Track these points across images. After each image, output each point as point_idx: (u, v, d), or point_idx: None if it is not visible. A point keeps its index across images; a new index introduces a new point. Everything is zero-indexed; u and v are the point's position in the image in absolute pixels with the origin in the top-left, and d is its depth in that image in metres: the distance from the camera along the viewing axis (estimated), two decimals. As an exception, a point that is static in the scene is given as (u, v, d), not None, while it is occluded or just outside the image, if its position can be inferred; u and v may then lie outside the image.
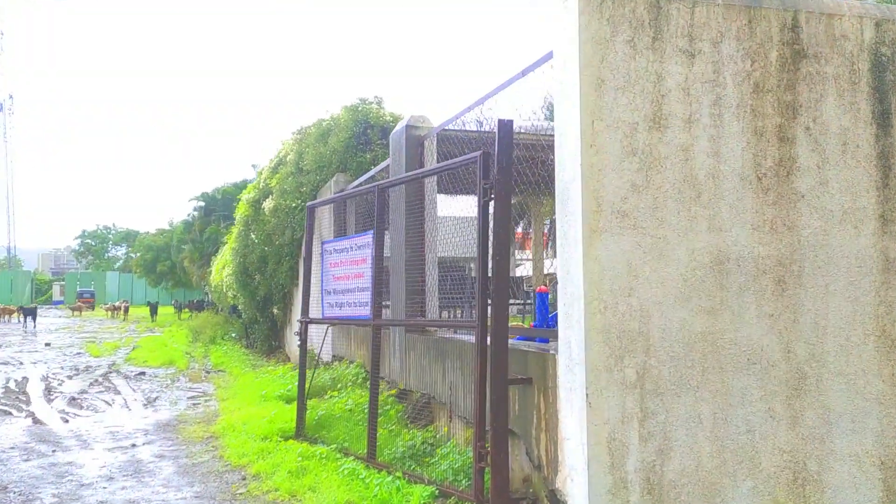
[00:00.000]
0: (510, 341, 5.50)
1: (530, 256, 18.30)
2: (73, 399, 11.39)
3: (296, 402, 8.72)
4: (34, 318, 33.68)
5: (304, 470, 6.83)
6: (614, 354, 4.33)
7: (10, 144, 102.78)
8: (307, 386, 8.66)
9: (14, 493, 6.37)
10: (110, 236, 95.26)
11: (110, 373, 15.16)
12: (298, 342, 8.48)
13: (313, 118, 14.98)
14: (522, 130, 7.10)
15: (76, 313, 56.72)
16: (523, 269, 20.98)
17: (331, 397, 9.84)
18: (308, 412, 8.58)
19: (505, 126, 5.48)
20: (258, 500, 6.14)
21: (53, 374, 15.16)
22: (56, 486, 6.58)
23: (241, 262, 17.35)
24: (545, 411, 5.11)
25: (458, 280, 9.22)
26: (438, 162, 7.66)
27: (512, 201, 5.74)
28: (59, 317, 55.36)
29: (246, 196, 17.70)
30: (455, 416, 7.04)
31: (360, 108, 13.22)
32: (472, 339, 5.78)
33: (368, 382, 10.14)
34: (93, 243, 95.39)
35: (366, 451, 7.04)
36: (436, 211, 8.09)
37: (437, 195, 8.24)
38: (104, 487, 6.54)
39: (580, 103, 4.40)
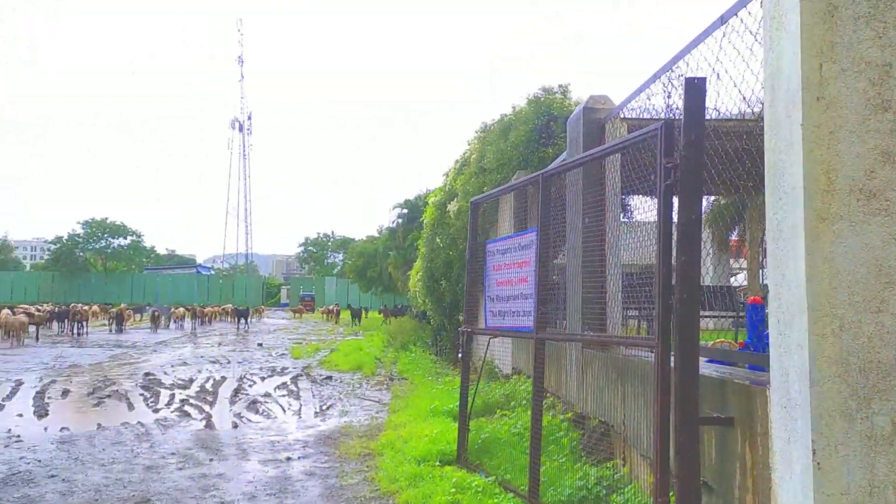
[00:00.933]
0: (708, 366, 4.13)
1: (747, 266, 16.11)
2: (254, 403, 11.31)
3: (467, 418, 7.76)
4: (246, 320, 35.97)
5: (456, 506, 5.84)
6: (857, 395, 2.88)
7: (249, 161, 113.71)
8: (472, 403, 7.65)
9: (154, 506, 5.97)
10: (329, 243, 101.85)
11: (300, 376, 15.24)
12: (460, 353, 7.51)
13: (499, 115, 14.07)
14: (730, 117, 5.61)
15: (297, 315, 60.82)
16: (741, 279, 18.68)
17: (501, 416, 8.79)
18: (472, 434, 7.60)
19: (694, 88, 4.13)
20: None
21: (250, 374, 15.53)
22: (198, 502, 6.11)
23: (427, 266, 16.88)
24: (752, 465, 3.73)
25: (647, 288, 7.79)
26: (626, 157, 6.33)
27: (724, 201, 4.35)
28: (283, 318, 59.60)
29: (432, 200, 17.22)
30: (637, 453, 5.70)
31: (542, 100, 12.09)
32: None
33: (544, 402, 8.99)
34: (314, 250, 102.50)
35: (527, 488, 5.90)
36: (618, 207, 6.75)
37: (630, 198, 6.95)
38: (243, 508, 5.97)
39: (800, 40, 3.00)
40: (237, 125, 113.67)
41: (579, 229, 6.67)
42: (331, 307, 54.92)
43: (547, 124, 11.73)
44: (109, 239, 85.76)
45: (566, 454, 6.66)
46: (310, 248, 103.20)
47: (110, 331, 32.47)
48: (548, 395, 9.35)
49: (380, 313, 47.17)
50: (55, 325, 32.14)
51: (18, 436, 8.51)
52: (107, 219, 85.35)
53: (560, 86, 12.46)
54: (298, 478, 6.93)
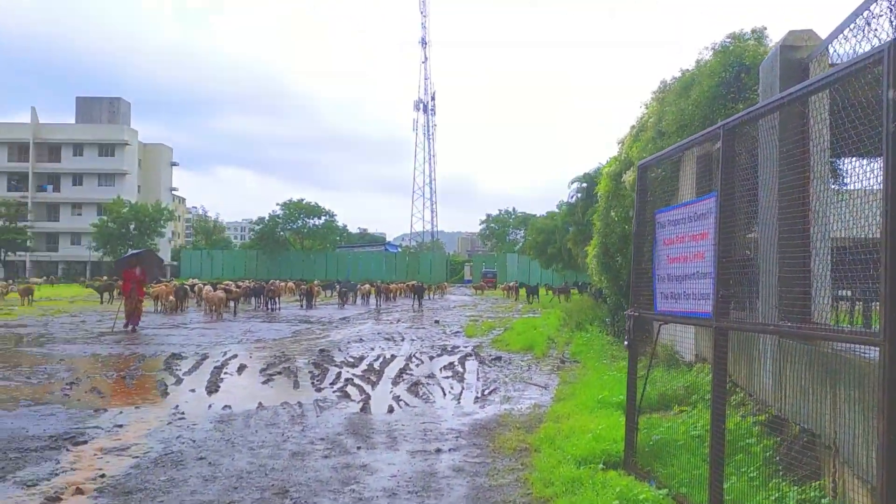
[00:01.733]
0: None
1: None
2: (416, 385, 10.92)
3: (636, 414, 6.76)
4: (421, 296, 36.26)
5: (617, 525, 4.93)
6: None
7: (433, 141, 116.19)
8: (642, 397, 6.62)
9: (290, 499, 5.59)
10: (511, 220, 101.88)
11: (469, 356, 14.77)
12: (626, 341, 6.51)
13: (679, 71, 12.56)
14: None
15: (478, 292, 61.27)
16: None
17: (679, 413, 7.67)
18: (643, 433, 6.59)
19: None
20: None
21: (420, 353, 15.30)
22: (335, 497, 5.67)
23: (602, 242, 15.73)
24: None
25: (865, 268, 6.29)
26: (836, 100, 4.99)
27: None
28: (465, 294, 60.20)
29: (607, 170, 15.98)
30: (854, 474, 4.49)
31: (731, 49, 10.48)
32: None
33: (732, 398, 7.73)
34: (496, 227, 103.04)
35: (707, 505, 4.86)
36: (826, 166, 5.40)
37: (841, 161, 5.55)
38: (379, 507, 5.43)
39: None
40: (421, 106, 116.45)
41: (774, 194, 5.42)
42: (511, 284, 54.68)
43: (737, 76, 10.15)
44: (305, 219, 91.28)
45: (758, 466, 5.50)
46: (491, 224, 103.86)
47: (301, 306, 34.13)
48: (736, 390, 8.05)
49: (548, 291, 46.20)
50: (252, 300, 34.29)
51: (183, 413, 8.62)
52: (303, 200, 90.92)
53: (753, 30, 10.73)
54: (445, 474, 6.31)
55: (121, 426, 7.92)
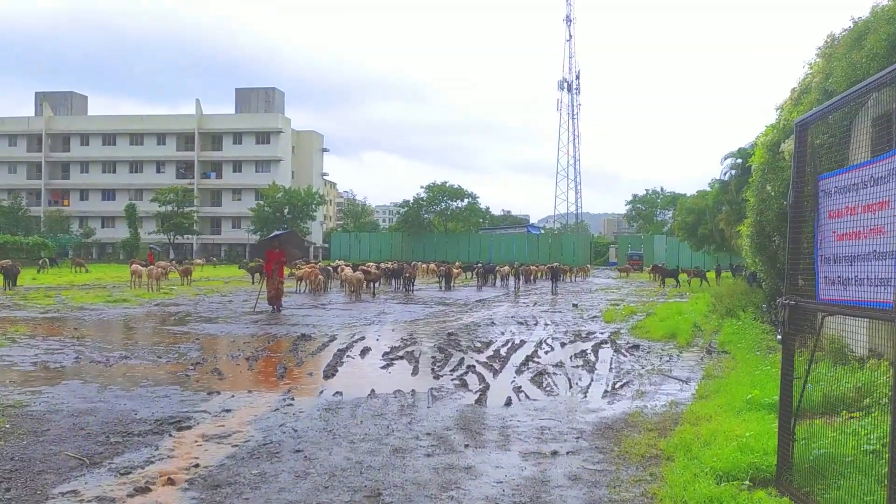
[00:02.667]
0: None
1: None
2: (541, 374, 10.12)
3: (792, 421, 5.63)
4: (557, 280, 34.91)
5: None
6: None
7: (577, 120, 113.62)
8: (799, 401, 5.47)
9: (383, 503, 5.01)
10: (658, 200, 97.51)
11: (604, 343, 13.75)
12: (779, 335, 5.39)
13: (850, 21, 10.84)
14: None
15: (623, 274, 59.15)
16: None
17: (849, 420, 6.41)
18: (801, 445, 5.46)
19: None
20: None
21: (552, 338, 14.47)
22: (432, 502, 5.02)
23: (756, 220, 14.12)
24: None
25: None
26: None
27: None
28: (609, 277, 58.31)
29: (762, 139, 14.30)
30: None
31: (915, -13, 8.79)
32: None
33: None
34: (643, 208, 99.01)
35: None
36: None
37: None
38: (478, 520, 4.73)
39: None
40: (565, 85, 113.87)
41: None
42: (659, 265, 52.11)
43: (922, 19, 8.48)
44: (448, 202, 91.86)
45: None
46: (637, 205, 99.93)
47: (440, 287, 34.05)
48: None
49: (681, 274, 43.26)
50: (392, 282, 34.57)
51: (293, 399, 8.32)
52: (446, 182, 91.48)
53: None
54: (559, 482, 5.51)
55: (229, 411, 7.71)
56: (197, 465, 5.84)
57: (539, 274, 46.43)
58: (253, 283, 35.11)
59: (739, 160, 37.90)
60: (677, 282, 40.01)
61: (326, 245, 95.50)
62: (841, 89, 10.03)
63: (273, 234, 23.97)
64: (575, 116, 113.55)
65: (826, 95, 10.71)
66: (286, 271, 25.54)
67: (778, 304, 5.39)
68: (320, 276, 29.00)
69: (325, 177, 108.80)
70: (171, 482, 5.46)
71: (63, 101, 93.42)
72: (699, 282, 39.49)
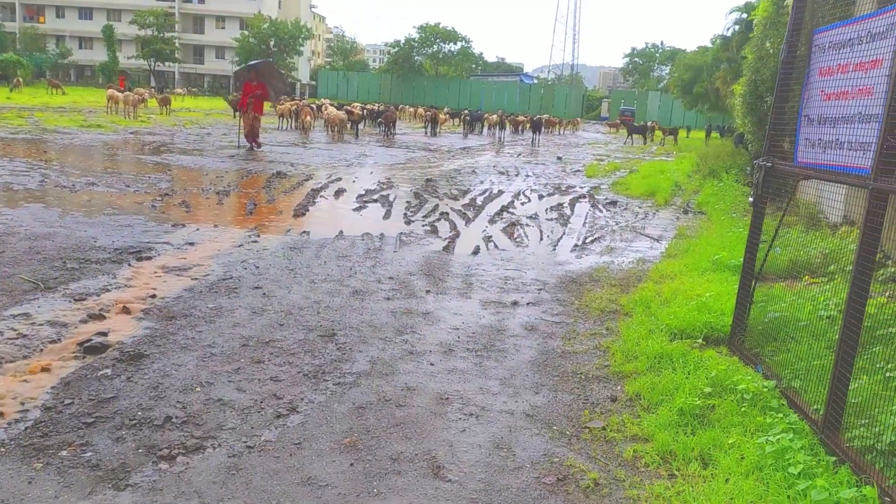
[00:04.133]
0: None
1: None
2: (513, 225, 10.06)
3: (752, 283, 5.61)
4: (538, 132, 34.05)
5: (704, 420, 4.02)
6: None
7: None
8: (762, 265, 5.42)
9: (336, 343, 5.02)
10: (657, 55, 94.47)
11: (582, 198, 13.65)
12: (751, 196, 5.26)
13: None
14: None
15: (613, 130, 58.35)
16: None
17: (810, 286, 6.41)
18: (758, 307, 5.47)
19: None
20: (611, 458, 3.64)
21: (530, 190, 14.34)
22: (383, 346, 5.04)
23: (752, 78, 13.65)
24: None
25: None
26: None
27: None
28: (598, 132, 57.56)
29: (768, -9, 13.54)
30: None
31: None
32: None
33: (881, 272, 6.40)
34: (640, 62, 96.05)
35: (822, 411, 3.86)
36: None
37: None
38: (430, 364, 4.76)
39: None
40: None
41: None
42: (648, 124, 51.30)
43: None
44: (441, 44, 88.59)
45: (899, 368, 4.33)
46: (635, 59, 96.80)
47: (425, 133, 33.45)
48: (888, 263, 6.66)
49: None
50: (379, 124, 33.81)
51: (258, 236, 8.23)
52: (439, 24, 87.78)
53: None
54: (514, 332, 5.53)
55: (192, 244, 7.61)
56: (154, 296, 5.79)
57: (527, 124, 45.63)
58: (234, 116, 34.25)
59: (744, 15, 36.41)
60: (644, 139, 39.24)
61: (313, 83, 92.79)
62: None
63: (249, 64, 22.65)
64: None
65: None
66: (266, 106, 24.64)
67: (754, 165, 5.20)
68: (309, 117, 27.77)
69: (313, 9, 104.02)
70: (125, 311, 5.41)
71: None
72: (671, 140, 39.02)
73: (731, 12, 35.94)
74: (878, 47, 3.70)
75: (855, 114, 3.87)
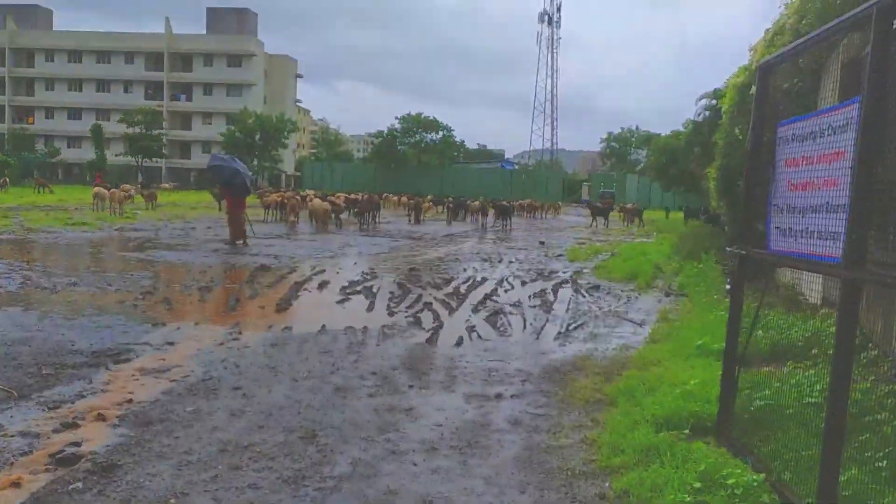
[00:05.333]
0: None
1: None
2: (496, 314, 10.00)
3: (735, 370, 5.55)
4: (508, 218, 33.83)
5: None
6: None
7: (556, 55, 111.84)
8: (745, 348, 5.38)
9: (317, 445, 4.88)
10: (633, 139, 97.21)
11: (565, 283, 13.67)
12: (728, 284, 5.27)
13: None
14: None
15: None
16: None
17: (794, 370, 6.38)
18: (743, 395, 5.41)
19: None
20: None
21: (513, 276, 14.36)
22: (365, 447, 4.90)
23: (723, 163, 14.01)
24: None
25: None
26: None
27: None
28: (580, 215, 58.25)
29: (733, 81, 14.04)
30: None
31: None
32: None
33: (862, 355, 6.37)
34: (617, 146, 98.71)
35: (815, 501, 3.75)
36: None
37: None
38: (413, 465, 4.62)
39: None
40: (546, 18, 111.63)
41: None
42: (629, 206, 52.07)
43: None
44: (423, 133, 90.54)
45: (888, 453, 4.27)
46: (612, 143, 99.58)
47: (409, 221, 33.72)
48: (869, 346, 6.64)
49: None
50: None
51: (240, 333, 8.12)
52: (421, 114, 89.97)
53: None
54: (499, 426, 5.41)
55: (172, 344, 7.50)
56: (130, 401, 5.65)
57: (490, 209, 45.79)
58: (220, 209, 34.43)
59: (714, 101, 37.61)
60: (605, 220, 39.69)
61: (298, 174, 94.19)
62: (813, 30, 9.73)
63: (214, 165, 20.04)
64: (555, 50, 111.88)
65: (798, 37, 10.40)
66: (252, 198, 24.62)
67: (728, 252, 5.25)
68: (293, 217, 26.88)
69: (298, 104, 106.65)
70: (101, 418, 5.27)
71: (27, 14, 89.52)
72: (636, 221, 39.58)
73: (700, 98, 37.10)
74: (839, 140, 3.79)
75: (822, 204, 3.93)
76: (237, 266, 14.22)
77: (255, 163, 73.91)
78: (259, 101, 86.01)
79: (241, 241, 18.50)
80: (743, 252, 5.01)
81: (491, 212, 36.06)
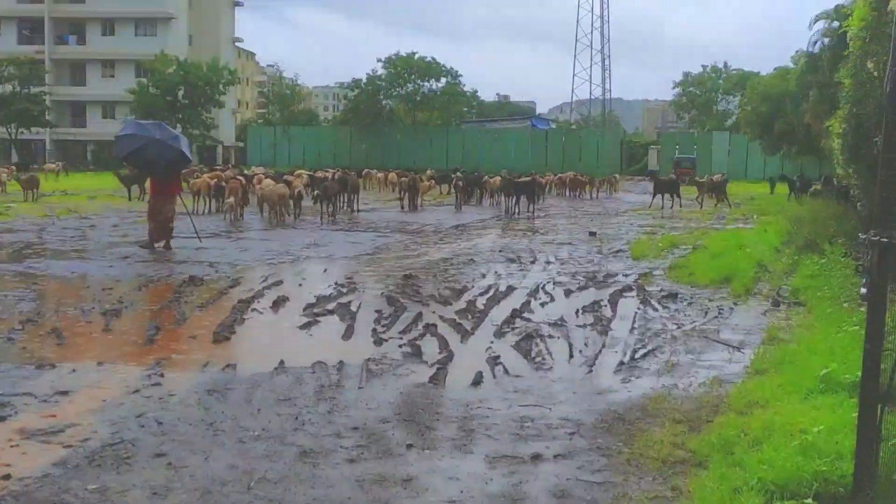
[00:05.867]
0: None
1: None
2: (529, 337, 10.10)
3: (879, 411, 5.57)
4: (533, 199, 32.35)
5: None
6: None
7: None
8: (891, 380, 5.37)
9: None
10: (720, 82, 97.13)
11: (628, 290, 13.78)
12: (864, 286, 5.27)
13: None
14: None
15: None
16: None
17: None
18: (889, 446, 5.42)
19: None
20: None
21: (554, 283, 14.50)
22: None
23: (852, 112, 13.97)
24: None
25: None
26: None
27: None
28: (647, 192, 58.42)
29: (860, -7, 14.02)
30: None
31: None
32: None
33: None
34: (698, 92, 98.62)
35: None
36: None
37: None
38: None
39: None
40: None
41: None
42: (715, 177, 52.14)
43: None
44: (418, 82, 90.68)
45: None
46: (690, 88, 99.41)
47: (401, 207, 33.79)
48: None
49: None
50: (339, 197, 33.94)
51: (162, 375, 8.20)
52: (415, 54, 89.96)
53: None
54: (539, 501, 5.43)
55: (64, 394, 7.60)
56: (8, 477, 5.70)
57: (549, 186, 46.11)
58: (130, 199, 34.67)
59: (836, 23, 37.66)
60: (676, 198, 37.90)
61: (241, 144, 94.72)
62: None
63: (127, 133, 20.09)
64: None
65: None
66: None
67: (862, 241, 5.24)
68: (231, 198, 26.75)
69: (238, 44, 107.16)
70: (-36, 504, 5.31)
71: None
72: (717, 199, 38.76)
73: (816, 20, 37.15)
74: None
75: None
76: (157, 279, 14.35)
77: (179, 129, 74.42)
78: (182, 42, 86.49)
79: (163, 244, 18.52)
80: (885, 240, 5.00)
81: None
